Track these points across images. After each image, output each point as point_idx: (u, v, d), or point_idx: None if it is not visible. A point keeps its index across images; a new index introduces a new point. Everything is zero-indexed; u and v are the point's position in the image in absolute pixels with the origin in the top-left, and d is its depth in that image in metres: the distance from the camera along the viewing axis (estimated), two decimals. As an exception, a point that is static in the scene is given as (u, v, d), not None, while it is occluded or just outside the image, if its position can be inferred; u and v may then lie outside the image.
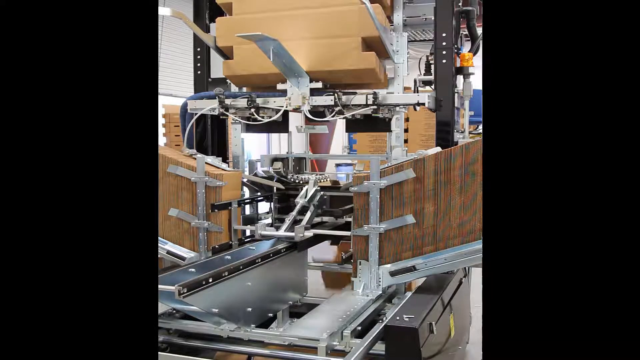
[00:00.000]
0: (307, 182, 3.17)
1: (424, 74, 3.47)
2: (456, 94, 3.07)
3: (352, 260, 2.71)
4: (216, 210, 2.95)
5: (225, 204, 2.99)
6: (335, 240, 3.42)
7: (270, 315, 2.53)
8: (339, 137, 8.97)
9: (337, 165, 10.36)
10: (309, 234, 2.77)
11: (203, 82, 3.51)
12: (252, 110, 3.06)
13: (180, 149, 3.34)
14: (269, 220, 3.48)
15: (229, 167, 3.29)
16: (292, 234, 2.69)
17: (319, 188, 3.15)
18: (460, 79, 3.16)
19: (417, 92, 3.17)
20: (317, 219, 3.23)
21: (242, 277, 2.25)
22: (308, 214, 2.95)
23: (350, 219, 2.80)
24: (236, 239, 3.06)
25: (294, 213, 2.94)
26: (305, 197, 3.04)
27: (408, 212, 2.56)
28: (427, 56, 3.45)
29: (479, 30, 2.83)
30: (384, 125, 3.10)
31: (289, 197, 3.48)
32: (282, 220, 2.98)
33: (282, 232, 2.76)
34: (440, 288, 2.59)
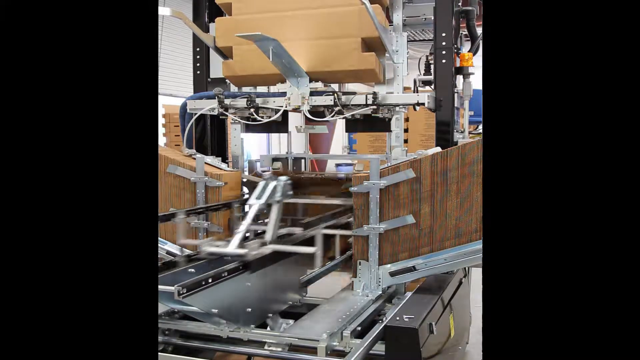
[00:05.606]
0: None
1: (424, 74, 3.47)
2: (456, 94, 3.07)
3: (351, 261, 2.71)
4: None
5: (168, 215, 2.54)
6: None
7: (270, 315, 2.52)
8: (339, 137, 8.98)
9: (337, 165, 10.39)
10: (266, 250, 2.26)
11: (202, 82, 3.52)
12: (252, 110, 3.06)
13: (180, 149, 3.34)
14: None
15: (228, 167, 3.29)
16: (245, 251, 2.17)
17: (280, 179, 2.58)
18: (460, 79, 3.17)
19: (417, 92, 3.17)
20: (284, 231, 2.64)
21: (241, 278, 2.24)
22: (272, 221, 2.36)
23: (314, 232, 2.48)
24: (183, 254, 2.44)
25: (247, 221, 2.39)
26: (261, 197, 2.46)
27: (407, 212, 2.55)
28: (427, 56, 3.45)
29: (479, 30, 2.82)
30: (383, 125, 3.10)
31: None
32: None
33: (231, 249, 2.22)
34: (440, 288, 2.59)
